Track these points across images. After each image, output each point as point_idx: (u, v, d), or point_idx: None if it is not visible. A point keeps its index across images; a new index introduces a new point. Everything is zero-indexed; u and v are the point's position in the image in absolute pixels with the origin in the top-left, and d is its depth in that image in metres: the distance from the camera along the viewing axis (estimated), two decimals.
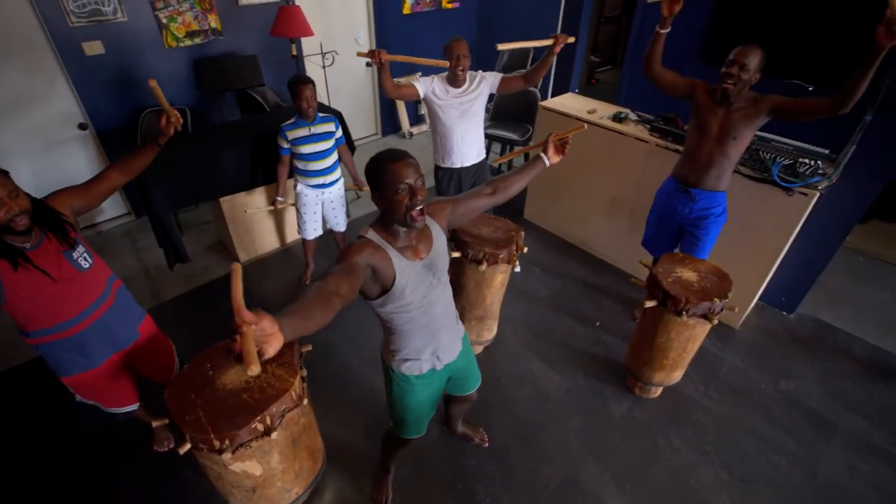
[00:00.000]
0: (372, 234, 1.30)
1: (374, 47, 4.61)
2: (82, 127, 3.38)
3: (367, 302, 1.37)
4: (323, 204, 2.92)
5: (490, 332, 2.52)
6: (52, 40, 3.05)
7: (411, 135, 5.30)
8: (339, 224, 3.04)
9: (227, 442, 1.45)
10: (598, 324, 2.86)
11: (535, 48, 4.70)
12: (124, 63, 3.36)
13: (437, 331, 1.47)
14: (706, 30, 3.03)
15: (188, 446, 1.46)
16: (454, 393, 1.79)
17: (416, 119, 5.47)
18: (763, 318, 2.92)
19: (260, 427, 1.49)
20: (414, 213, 1.23)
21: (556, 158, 1.65)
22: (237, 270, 0.96)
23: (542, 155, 1.64)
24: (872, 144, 2.34)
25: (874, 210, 3.77)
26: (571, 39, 2.31)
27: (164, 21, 3.40)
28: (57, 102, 3.24)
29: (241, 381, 1.59)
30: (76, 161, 3.46)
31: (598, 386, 2.48)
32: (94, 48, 3.21)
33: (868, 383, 2.53)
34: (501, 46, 2.26)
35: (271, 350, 0.84)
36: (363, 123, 5.13)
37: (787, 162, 2.33)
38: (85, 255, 1.61)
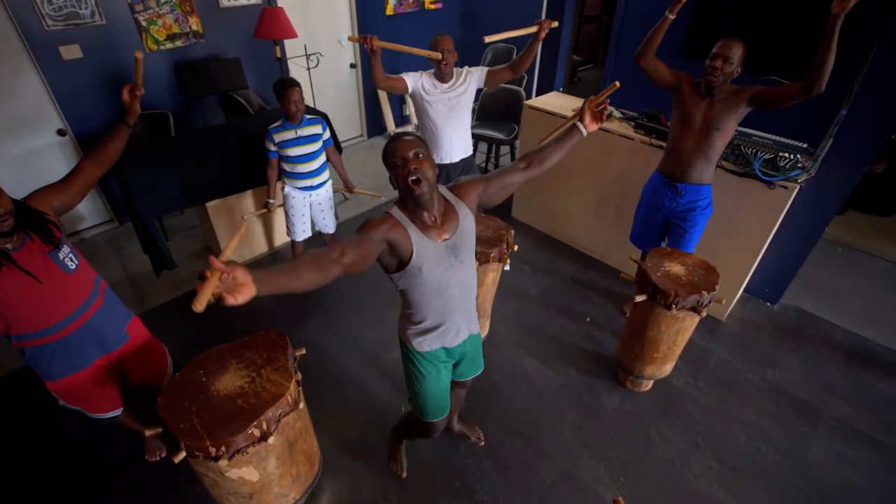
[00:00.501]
0: (395, 211, 1.34)
1: (357, 50, 4.65)
2: (61, 133, 3.31)
3: (387, 275, 1.40)
4: (311, 206, 2.90)
5: (483, 330, 2.53)
6: (27, 45, 2.98)
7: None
8: (328, 226, 3.02)
9: (223, 449, 1.43)
10: (588, 319, 2.90)
11: (516, 51, 4.75)
12: (103, 67, 3.30)
13: (451, 312, 1.48)
14: (687, 27, 3.09)
15: (183, 454, 1.44)
16: (455, 377, 1.76)
17: (401, 120, 5.46)
18: (748, 310, 2.98)
19: (256, 432, 1.48)
20: (409, 181, 1.26)
21: (593, 126, 1.59)
22: (242, 230, 1.02)
23: (579, 124, 1.58)
24: (848, 138, 2.41)
25: (850, 201, 3.89)
26: (555, 24, 2.33)
27: (144, 24, 3.34)
28: (34, 108, 3.16)
29: (236, 387, 1.57)
30: (56, 168, 3.37)
31: (590, 381, 2.51)
32: (71, 52, 3.14)
33: (850, 370, 2.60)
34: (489, 38, 2.27)
35: (240, 298, 0.88)
36: (348, 125, 5.11)
37: (767, 156, 2.39)
38: (71, 255, 1.58)
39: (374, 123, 5.26)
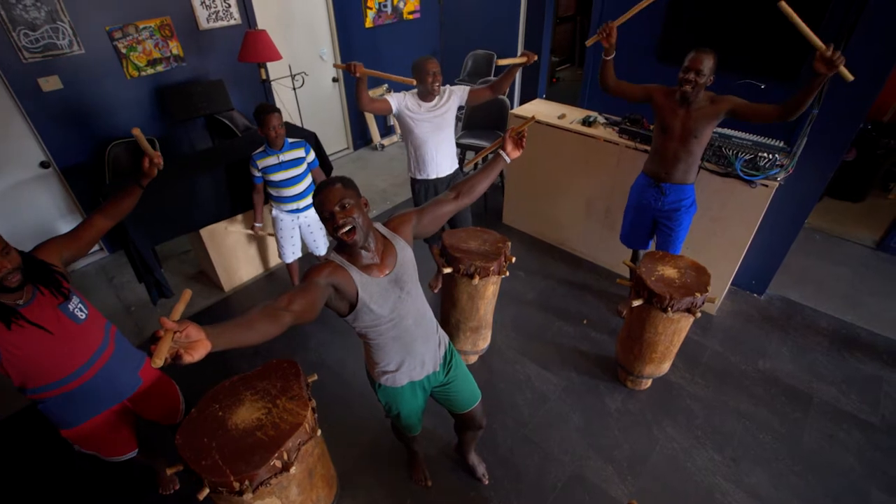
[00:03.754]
0: (334, 256, 1.39)
1: (339, 62, 4.66)
2: (44, 165, 3.26)
3: (342, 319, 1.44)
4: (300, 228, 2.91)
5: (485, 340, 2.59)
6: (5, 79, 2.93)
7: (382, 146, 5.31)
8: (319, 248, 3.02)
9: (246, 482, 1.45)
10: (584, 321, 2.97)
11: (497, 56, 4.84)
12: (85, 97, 3.26)
13: (410, 342, 1.54)
14: (660, 32, 3.19)
15: (207, 491, 1.46)
16: (451, 409, 1.82)
17: (385, 131, 5.48)
18: (737, 302, 3.10)
19: (278, 464, 1.50)
20: (340, 234, 1.30)
21: (515, 153, 1.68)
22: (186, 296, 1.03)
23: (502, 152, 1.67)
24: (821, 135, 2.54)
25: (826, 189, 4.04)
26: (535, 57, 2.45)
27: (124, 51, 3.31)
28: (15, 142, 3.11)
29: (254, 419, 1.60)
30: (42, 201, 3.33)
31: (591, 382, 2.58)
32: (51, 84, 3.10)
33: (835, 354, 2.73)
34: (500, 62, 2.39)
35: (196, 355, 0.89)
36: (334, 139, 5.11)
37: (748, 157, 2.49)
38: (80, 305, 1.58)
39: (360, 135, 5.28)
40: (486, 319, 2.48)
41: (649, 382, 2.52)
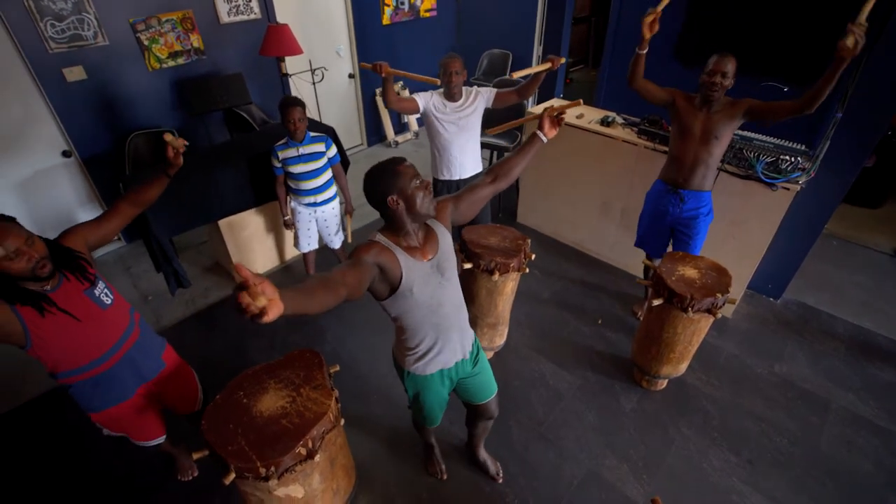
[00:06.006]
0: (379, 237, 1.40)
1: (356, 59, 4.68)
2: (66, 154, 3.30)
3: (379, 303, 1.45)
4: (317, 221, 2.94)
5: (501, 337, 2.59)
6: (31, 69, 2.97)
7: (396, 143, 5.33)
8: (334, 241, 3.05)
9: (272, 469, 1.47)
10: (599, 321, 2.97)
11: (512, 56, 4.84)
12: (107, 87, 3.30)
13: (446, 330, 1.53)
14: (679, 35, 3.19)
15: (233, 476, 1.48)
16: (469, 400, 1.83)
17: (399, 128, 5.50)
18: (753, 306, 3.08)
19: (303, 451, 1.52)
20: (431, 198, 1.38)
21: (552, 133, 1.65)
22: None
23: (538, 132, 1.64)
24: (843, 139, 2.52)
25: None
26: (563, 60, 2.44)
27: (146, 43, 3.35)
28: (38, 131, 3.15)
29: (278, 407, 1.61)
30: (62, 190, 3.37)
31: (607, 381, 2.58)
32: (75, 74, 3.14)
33: (852, 360, 2.71)
34: (516, 75, 2.38)
35: (270, 315, 0.87)
36: (349, 135, 5.13)
37: (769, 160, 2.48)
38: (106, 290, 1.60)
39: (374, 132, 5.30)
40: (503, 316, 2.48)
41: (665, 383, 2.52)
